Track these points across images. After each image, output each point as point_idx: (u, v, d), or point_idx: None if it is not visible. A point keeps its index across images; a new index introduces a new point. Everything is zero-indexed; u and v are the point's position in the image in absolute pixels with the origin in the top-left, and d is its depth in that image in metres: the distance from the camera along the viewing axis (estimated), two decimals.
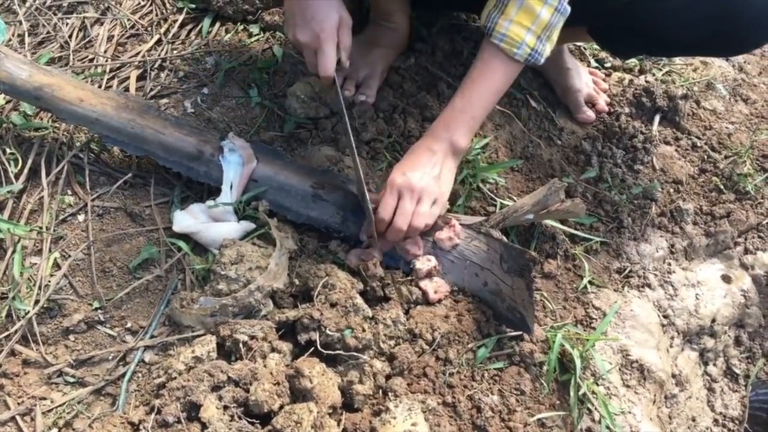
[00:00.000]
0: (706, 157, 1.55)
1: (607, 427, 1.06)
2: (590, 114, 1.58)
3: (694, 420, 1.32)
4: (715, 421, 1.37)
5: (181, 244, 1.10)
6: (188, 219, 1.12)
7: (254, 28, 1.54)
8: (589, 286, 1.27)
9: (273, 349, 0.97)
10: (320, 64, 1.10)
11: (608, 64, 1.74)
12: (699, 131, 1.61)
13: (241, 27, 1.55)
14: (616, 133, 1.56)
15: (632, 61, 1.74)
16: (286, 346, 1.00)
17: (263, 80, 1.41)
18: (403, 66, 1.57)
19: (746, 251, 1.44)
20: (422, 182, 1.11)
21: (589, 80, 1.63)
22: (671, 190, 1.48)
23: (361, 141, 1.37)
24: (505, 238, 1.12)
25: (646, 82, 1.65)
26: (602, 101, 1.60)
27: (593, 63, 1.74)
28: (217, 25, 1.54)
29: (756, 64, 1.89)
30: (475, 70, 1.18)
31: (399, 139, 1.40)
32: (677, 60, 1.79)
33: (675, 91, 1.59)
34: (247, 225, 1.15)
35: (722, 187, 1.49)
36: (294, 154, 1.32)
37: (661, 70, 1.73)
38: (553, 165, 1.49)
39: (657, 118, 1.59)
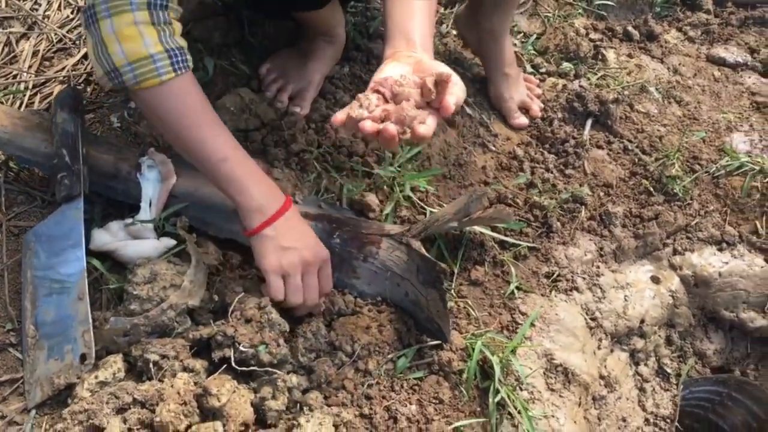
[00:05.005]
0: (637, 160, 1.58)
1: (526, 431, 1.07)
2: (523, 120, 1.60)
3: (624, 420, 1.34)
4: (647, 420, 1.39)
5: (95, 262, 1.09)
6: (105, 237, 1.11)
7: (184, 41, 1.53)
8: (516, 291, 1.28)
9: (184, 368, 0.96)
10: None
11: (543, 70, 1.76)
12: (631, 134, 1.64)
13: None
14: (549, 138, 1.58)
15: (567, 66, 1.77)
16: (200, 364, 0.99)
17: None
18: (337, 75, 1.57)
19: (675, 252, 1.46)
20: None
21: (523, 86, 1.64)
22: (601, 194, 1.50)
23: (291, 152, 1.37)
24: (422, 249, 1.13)
25: (580, 86, 1.67)
26: (536, 107, 1.62)
27: (528, 68, 1.76)
28: None
29: (691, 66, 1.92)
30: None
31: (330, 150, 1.40)
32: (612, 64, 1.82)
33: (606, 96, 1.62)
34: (168, 242, 1.14)
35: (652, 189, 1.52)
36: None
37: (596, 74, 1.76)
38: (487, 172, 1.50)
39: (589, 123, 1.61)
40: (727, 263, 1.44)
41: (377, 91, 0.94)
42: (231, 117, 1.38)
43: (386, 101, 0.92)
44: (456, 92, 0.90)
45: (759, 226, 1.50)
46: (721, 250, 1.46)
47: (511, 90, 1.58)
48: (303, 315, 1.12)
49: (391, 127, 0.86)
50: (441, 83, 0.88)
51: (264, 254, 1.05)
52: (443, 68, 0.92)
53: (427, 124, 0.88)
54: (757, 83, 1.88)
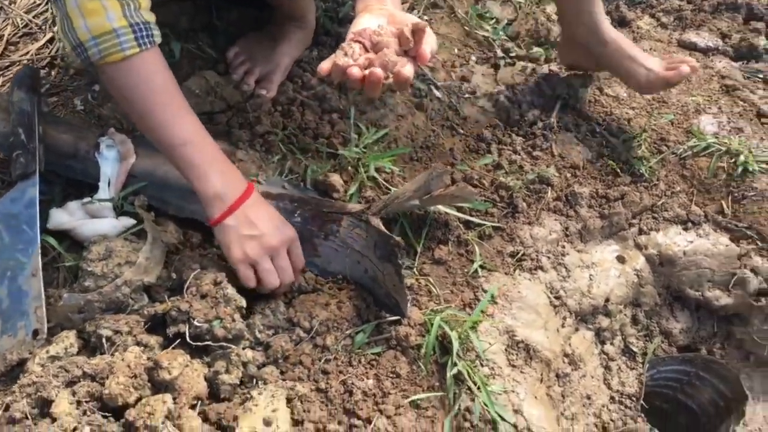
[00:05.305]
0: (604, 142, 1.59)
1: (484, 404, 1.07)
2: (683, 68, 1.42)
3: (589, 398, 1.35)
4: (612, 398, 1.39)
5: (51, 240, 1.09)
6: (63, 216, 1.11)
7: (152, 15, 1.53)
8: (480, 270, 1.28)
9: (138, 343, 0.97)
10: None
11: (513, 54, 1.77)
12: (599, 117, 1.65)
13: None
14: (517, 120, 1.58)
15: (538, 51, 1.77)
16: (154, 340, 0.99)
17: None
18: (306, 59, 1.57)
19: (640, 232, 1.47)
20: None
21: (655, 58, 1.51)
22: (568, 175, 1.50)
23: (255, 134, 1.37)
24: (381, 226, 1.13)
25: (549, 70, 1.67)
26: (686, 62, 1.45)
27: (499, 53, 1.76)
28: None
29: (663, 51, 1.92)
30: None
31: (295, 132, 1.41)
32: None
33: (574, 80, 1.62)
34: (127, 221, 1.14)
35: (618, 170, 1.53)
36: None
37: None
38: (454, 154, 1.51)
39: (557, 106, 1.62)
40: (692, 242, 1.45)
41: (357, 42, 0.98)
42: (196, 100, 1.38)
43: (366, 51, 0.97)
44: (430, 42, 0.96)
45: (724, 205, 1.51)
46: (686, 229, 1.47)
47: (647, 65, 1.46)
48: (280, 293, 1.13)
49: (378, 71, 0.91)
50: (418, 32, 0.94)
51: (228, 245, 1.06)
52: (417, 19, 0.97)
53: (407, 69, 0.93)
54: (727, 67, 1.89)
